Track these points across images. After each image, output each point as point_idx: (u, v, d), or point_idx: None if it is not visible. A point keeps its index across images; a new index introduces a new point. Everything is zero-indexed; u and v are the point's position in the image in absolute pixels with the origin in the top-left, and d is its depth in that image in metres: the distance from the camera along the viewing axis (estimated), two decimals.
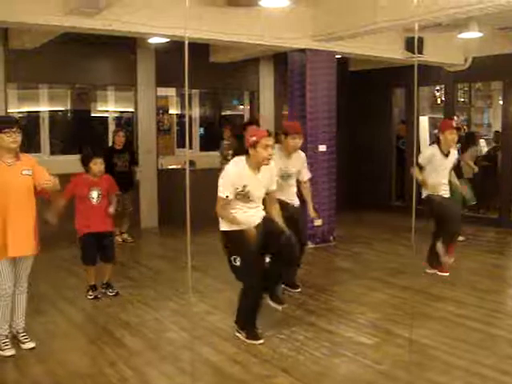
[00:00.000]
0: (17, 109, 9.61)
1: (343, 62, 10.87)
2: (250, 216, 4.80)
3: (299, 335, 4.98)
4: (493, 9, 6.32)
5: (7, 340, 4.62)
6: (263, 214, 4.96)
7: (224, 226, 4.83)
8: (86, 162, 5.96)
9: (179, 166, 10.56)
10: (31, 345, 4.72)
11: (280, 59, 10.25)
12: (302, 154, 6.24)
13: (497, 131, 11.79)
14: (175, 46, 7.49)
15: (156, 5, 6.86)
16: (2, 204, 4.42)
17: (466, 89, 12.89)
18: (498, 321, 5.44)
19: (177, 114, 11.47)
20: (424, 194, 6.71)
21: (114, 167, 8.51)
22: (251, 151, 4.76)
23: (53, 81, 9.79)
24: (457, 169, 7.78)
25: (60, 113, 10.50)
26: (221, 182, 4.75)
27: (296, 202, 6.17)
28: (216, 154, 10.39)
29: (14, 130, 4.45)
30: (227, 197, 4.69)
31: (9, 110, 9.08)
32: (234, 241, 4.76)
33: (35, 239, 4.64)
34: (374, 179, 11.96)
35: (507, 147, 10.28)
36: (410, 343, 4.63)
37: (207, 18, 7.12)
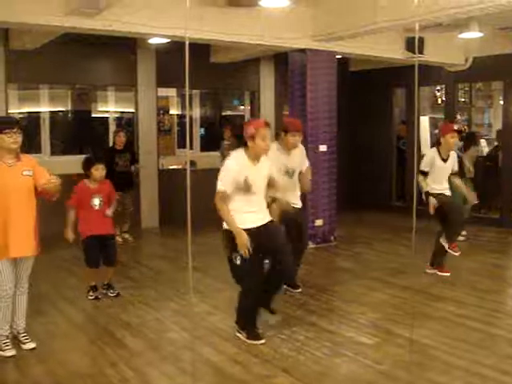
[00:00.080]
0: (17, 109, 9.63)
1: (343, 62, 10.87)
2: (251, 217, 4.77)
3: (300, 335, 4.98)
4: (493, 9, 6.32)
5: (8, 340, 4.62)
6: (268, 217, 4.94)
7: (226, 225, 4.82)
8: (87, 167, 5.99)
9: (180, 167, 10.57)
10: (32, 345, 4.72)
11: (280, 59, 10.25)
12: (301, 147, 6.17)
13: (499, 130, 11.75)
14: (175, 46, 7.49)
15: (156, 5, 6.86)
16: (2, 204, 4.43)
17: (466, 89, 12.87)
18: (498, 321, 5.44)
19: (177, 115, 11.47)
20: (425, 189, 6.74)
21: (114, 167, 8.53)
22: (250, 143, 4.74)
23: (53, 81, 9.80)
24: (459, 169, 7.78)
25: (60, 113, 10.50)
26: (221, 175, 4.74)
27: (299, 204, 6.16)
28: (216, 154, 10.39)
29: (14, 130, 4.46)
30: (225, 192, 4.68)
31: (9, 111, 9.10)
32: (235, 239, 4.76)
33: (36, 240, 4.65)
34: (374, 179, 11.96)
35: (508, 147, 10.28)
36: (410, 343, 4.63)
37: (208, 18, 7.12)
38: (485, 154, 11.53)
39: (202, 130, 11.88)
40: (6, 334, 4.63)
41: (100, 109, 10.74)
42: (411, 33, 8.92)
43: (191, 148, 11.27)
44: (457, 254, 7.06)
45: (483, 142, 11.94)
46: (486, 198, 10.19)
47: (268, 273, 4.89)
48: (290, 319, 5.40)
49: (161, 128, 10.93)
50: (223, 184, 4.70)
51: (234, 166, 4.76)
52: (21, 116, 9.63)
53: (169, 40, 8.31)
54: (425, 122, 12.43)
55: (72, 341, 5.02)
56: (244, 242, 4.60)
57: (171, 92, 11.18)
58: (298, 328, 5.15)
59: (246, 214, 4.76)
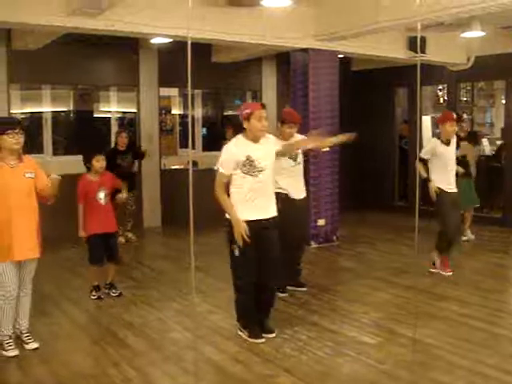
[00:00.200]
0: (19, 109, 9.63)
1: (346, 61, 10.87)
2: (253, 207, 4.70)
3: (302, 335, 4.98)
4: (495, 8, 6.31)
5: (11, 340, 4.63)
6: (274, 212, 4.88)
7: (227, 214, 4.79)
8: (87, 160, 6.03)
9: (182, 166, 10.56)
10: (35, 345, 4.73)
11: (282, 59, 10.25)
12: (297, 135, 6.09)
13: (503, 128, 11.69)
14: (177, 46, 7.49)
15: (158, 5, 6.86)
16: (5, 206, 4.43)
17: (468, 88, 12.83)
18: (502, 320, 5.43)
19: (179, 114, 11.47)
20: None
21: (117, 168, 8.51)
22: (246, 124, 4.73)
23: (55, 81, 9.80)
24: (464, 169, 7.80)
25: (63, 113, 10.51)
26: (220, 159, 4.75)
27: (304, 194, 6.18)
28: (218, 154, 10.36)
29: (16, 131, 4.47)
30: (224, 174, 4.68)
31: (11, 111, 9.10)
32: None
33: (38, 242, 4.65)
34: (376, 179, 11.95)
35: (510, 146, 10.26)
36: (413, 343, 4.63)
37: (210, 18, 7.12)
38: (487, 153, 11.52)
39: (204, 130, 11.89)
40: (9, 334, 4.63)
41: (102, 109, 10.74)
42: (413, 32, 8.92)
43: (193, 148, 11.27)
44: (448, 273, 6.82)
45: (485, 141, 11.91)
46: (488, 197, 10.19)
47: (256, 290, 4.85)
48: (292, 319, 5.40)
49: (163, 128, 10.93)
50: (222, 166, 4.71)
51: (233, 148, 4.76)
52: (23, 116, 9.63)
53: (171, 40, 8.32)
54: (427, 121, 12.41)
55: (75, 341, 5.03)
56: (241, 232, 4.59)
57: (173, 92, 11.18)
58: (300, 327, 5.15)
59: (249, 203, 4.70)
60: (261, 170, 4.72)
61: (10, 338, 4.64)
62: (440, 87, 13.05)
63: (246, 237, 4.59)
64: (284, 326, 5.14)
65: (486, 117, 14.28)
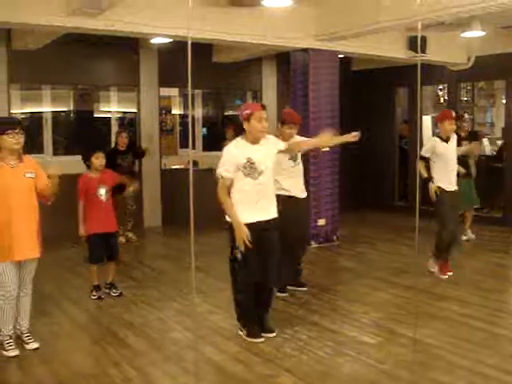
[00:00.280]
0: (20, 109, 9.64)
1: (346, 61, 10.87)
2: (254, 208, 4.71)
3: (302, 335, 4.98)
4: (495, 8, 6.32)
5: (11, 340, 4.63)
6: (275, 214, 4.88)
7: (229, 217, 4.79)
8: (87, 157, 6.04)
9: (182, 166, 10.57)
10: (35, 345, 4.73)
11: (283, 59, 10.25)
12: (297, 136, 6.10)
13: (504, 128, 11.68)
14: (178, 46, 7.48)
15: (159, 5, 6.86)
16: (5, 206, 4.43)
17: (468, 88, 12.84)
18: (502, 320, 5.43)
19: (179, 114, 11.48)
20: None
21: (117, 168, 8.50)
22: (246, 125, 4.71)
23: (55, 81, 9.81)
24: (465, 169, 7.80)
25: (63, 113, 10.51)
26: (220, 161, 4.74)
27: (304, 194, 6.18)
28: (219, 154, 10.36)
29: (16, 131, 4.47)
30: (225, 177, 4.67)
31: (12, 111, 9.11)
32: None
33: (38, 242, 4.66)
34: (376, 179, 11.95)
35: (510, 146, 10.26)
36: (413, 343, 4.63)
37: (210, 18, 7.12)
38: (487, 153, 11.51)
39: (205, 130, 11.89)
40: (10, 334, 4.63)
41: (102, 109, 10.74)
42: (414, 32, 8.92)
43: (193, 148, 11.27)
44: (446, 276, 6.76)
45: (485, 140, 11.91)
46: (488, 197, 10.19)
47: (255, 290, 4.86)
48: (293, 319, 5.40)
49: (163, 128, 10.94)
50: (223, 169, 4.69)
51: (233, 150, 4.75)
52: (23, 116, 9.64)
53: (171, 40, 8.32)
54: (427, 121, 12.41)
55: (75, 341, 5.03)
56: (242, 236, 4.59)
57: (173, 92, 11.19)
58: (301, 327, 5.15)
59: (250, 205, 4.70)
60: (261, 172, 4.71)
61: (11, 338, 4.63)
62: (440, 87, 13.04)
63: (247, 242, 4.60)
64: (284, 326, 5.14)
65: (486, 116, 14.28)
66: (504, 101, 11.48)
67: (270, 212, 4.85)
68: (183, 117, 11.49)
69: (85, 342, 5.03)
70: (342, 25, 7.98)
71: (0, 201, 4.43)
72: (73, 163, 7.73)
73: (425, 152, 6.75)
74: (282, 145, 5.03)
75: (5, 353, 4.57)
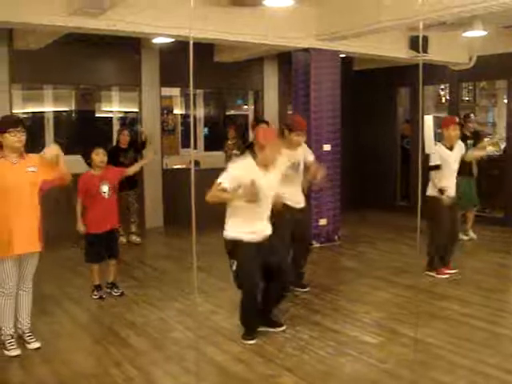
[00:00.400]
0: (21, 109, 9.65)
1: (347, 61, 10.86)
2: (251, 228, 4.77)
3: (304, 334, 4.98)
4: (497, 7, 6.31)
5: (13, 340, 4.63)
6: (269, 232, 4.92)
7: (226, 234, 4.84)
8: (88, 155, 6.03)
9: (184, 166, 10.58)
10: (36, 345, 4.74)
11: (284, 59, 10.24)
12: (304, 145, 6.17)
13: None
14: (179, 45, 7.49)
15: (160, 5, 6.86)
16: (6, 201, 4.43)
17: (470, 88, 12.85)
18: (503, 320, 5.43)
19: (181, 114, 11.49)
20: (429, 192, 6.68)
21: (119, 166, 8.50)
22: (258, 150, 4.77)
23: (57, 81, 9.81)
24: (467, 169, 7.80)
25: (64, 113, 10.52)
26: (227, 173, 4.73)
27: (303, 203, 6.14)
28: (220, 153, 10.40)
29: (18, 129, 4.48)
30: (223, 185, 4.67)
31: (13, 111, 9.09)
32: (234, 247, 4.79)
33: (39, 237, 4.66)
34: (378, 179, 11.93)
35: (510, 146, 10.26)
36: (414, 342, 4.63)
37: (212, 17, 7.12)
38: (489, 152, 11.48)
39: (206, 130, 11.89)
40: (11, 333, 4.64)
41: (104, 109, 10.76)
42: (415, 32, 8.91)
43: (195, 148, 11.27)
44: (446, 276, 6.76)
45: (487, 140, 11.87)
46: (490, 197, 10.18)
47: (267, 286, 4.91)
48: (294, 318, 5.41)
49: (165, 128, 10.95)
50: (226, 180, 4.67)
51: (241, 168, 4.78)
52: (25, 116, 9.64)
53: (173, 40, 8.32)
54: (429, 120, 12.35)
55: (77, 340, 5.04)
56: (251, 190, 4.58)
57: (175, 92, 11.20)
58: (302, 327, 5.15)
59: (246, 225, 4.75)
60: (261, 199, 4.71)
61: (12, 337, 4.64)
62: (442, 87, 13.04)
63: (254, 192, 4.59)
64: (286, 326, 5.14)
65: (488, 116, 14.28)
66: (506, 100, 11.47)
67: (265, 233, 4.90)
68: (185, 117, 11.51)
69: (86, 342, 5.04)
70: (343, 24, 7.98)
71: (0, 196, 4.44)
72: (74, 163, 7.73)
73: (435, 161, 6.64)
74: (312, 158, 5.38)
75: (6, 352, 4.58)
